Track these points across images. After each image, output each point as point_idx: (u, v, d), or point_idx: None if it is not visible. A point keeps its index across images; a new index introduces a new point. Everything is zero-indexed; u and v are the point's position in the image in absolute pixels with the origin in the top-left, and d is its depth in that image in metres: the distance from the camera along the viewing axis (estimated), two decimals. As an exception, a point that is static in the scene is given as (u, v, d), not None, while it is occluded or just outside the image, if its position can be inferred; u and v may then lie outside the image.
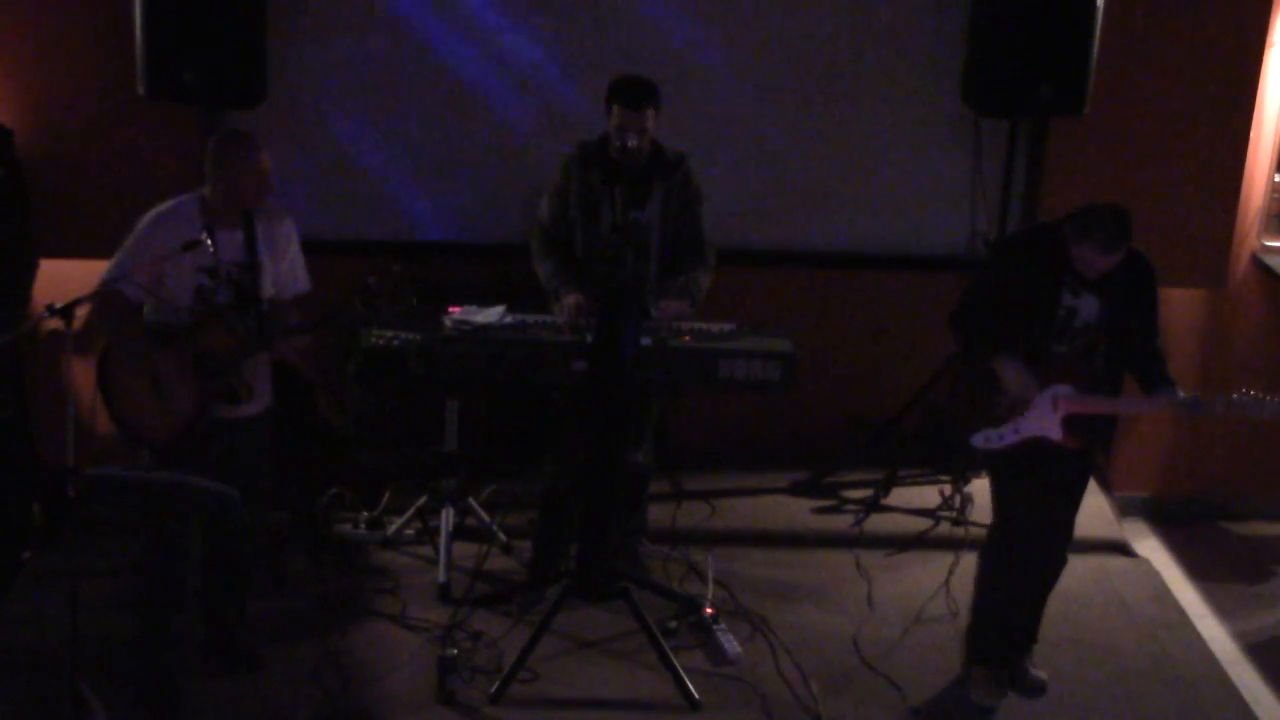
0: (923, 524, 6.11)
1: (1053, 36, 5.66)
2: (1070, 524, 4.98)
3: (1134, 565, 6.04)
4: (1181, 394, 4.72)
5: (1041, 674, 5.10)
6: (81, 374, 5.09)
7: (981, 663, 5.04)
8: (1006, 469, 4.90)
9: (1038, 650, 5.18)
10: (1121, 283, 4.69)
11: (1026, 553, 4.94)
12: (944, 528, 6.06)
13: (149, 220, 4.65)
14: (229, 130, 4.75)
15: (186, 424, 4.63)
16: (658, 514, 5.96)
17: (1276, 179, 6.36)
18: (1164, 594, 5.83)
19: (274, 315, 4.74)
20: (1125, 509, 6.52)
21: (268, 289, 4.73)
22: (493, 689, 4.92)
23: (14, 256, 5.68)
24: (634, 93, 5.15)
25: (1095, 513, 6.28)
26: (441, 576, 5.50)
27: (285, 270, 4.81)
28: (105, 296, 4.57)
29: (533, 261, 5.36)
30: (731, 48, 6.09)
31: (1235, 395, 4.67)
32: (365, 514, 5.89)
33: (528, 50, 6.03)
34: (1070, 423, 4.73)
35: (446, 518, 5.64)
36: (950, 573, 5.67)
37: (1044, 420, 4.75)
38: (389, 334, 5.26)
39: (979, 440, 4.83)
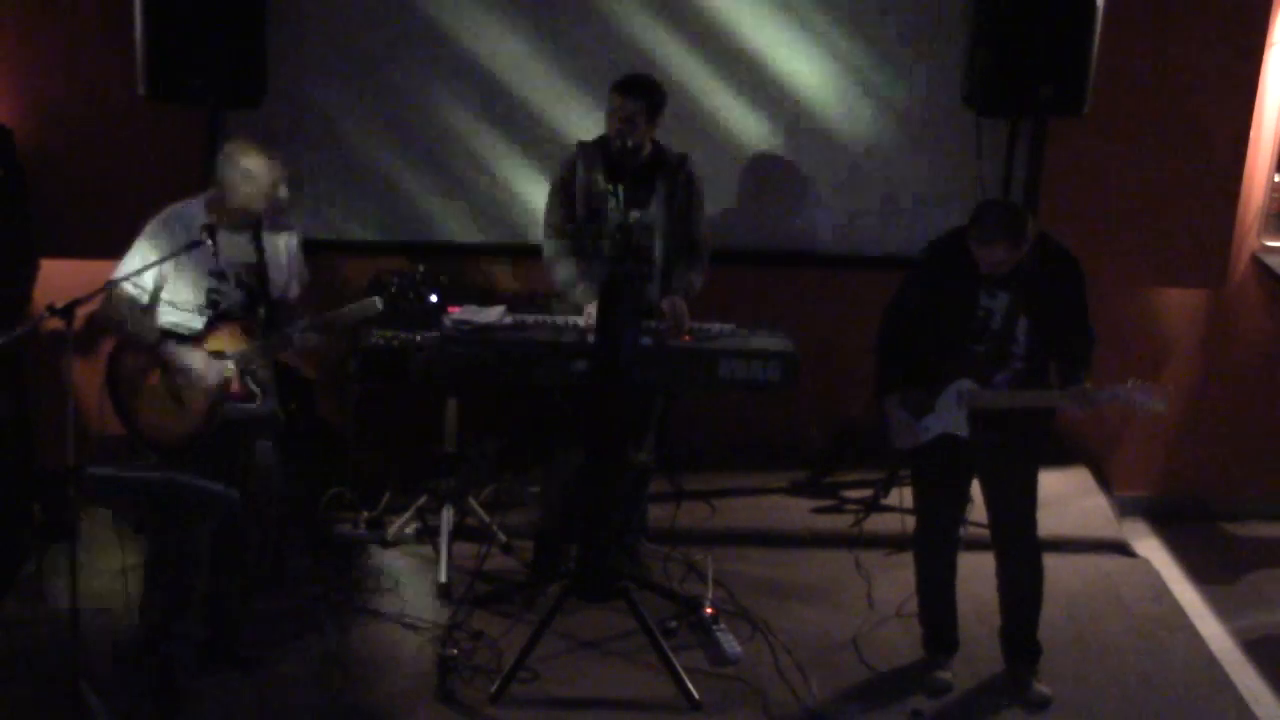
0: (923, 524, 6.11)
1: (1053, 36, 5.66)
2: (1020, 523, 4.98)
3: (1134, 565, 6.04)
4: (1084, 388, 4.68)
5: (1045, 689, 5.07)
6: (82, 374, 5.09)
7: (924, 646, 5.20)
8: (923, 472, 5.06)
9: (1037, 651, 5.20)
10: (1036, 280, 4.73)
11: (935, 554, 5.11)
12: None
13: (156, 222, 4.67)
14: (238, 138, 4.74)
15: (200, 426, 4.64)
16: (658, 514, 5.97)
17: (1276, 179, 6.37)
18: (1164, 594, 5.84)
19: (286, 316, 4.75)
20: (1125, 509, 6.52)
21: (276, 289, 4.74)
22: (493, 689, 4.92)
23: (14, 256, 5.68)
24: (628, 82, 5.22)
25: (1095, 513, 6.29)
26: (441, 576, 5.50)
27: (290, 271, 4.81)
28: (111, 297, 4.58)
29: (545, 266, 5.36)
30: (732, 47, 6.09)
31: (1116, 388, 4.67)
32: (365, 514, 5.90)
33: (530, 51, 6.03)
34: (975, 418, 4.79)
35: (446, 518, 5.64)
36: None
37: (950, 417, 4.82)
38: (389, 334, 5.27)
39: (896, 440, 4.95)
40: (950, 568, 5.13)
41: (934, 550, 5.12)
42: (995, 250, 4.66)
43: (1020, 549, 5.01)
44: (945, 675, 5.11)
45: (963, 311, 4.81)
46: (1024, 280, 4.74)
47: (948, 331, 4.85)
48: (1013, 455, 4.92)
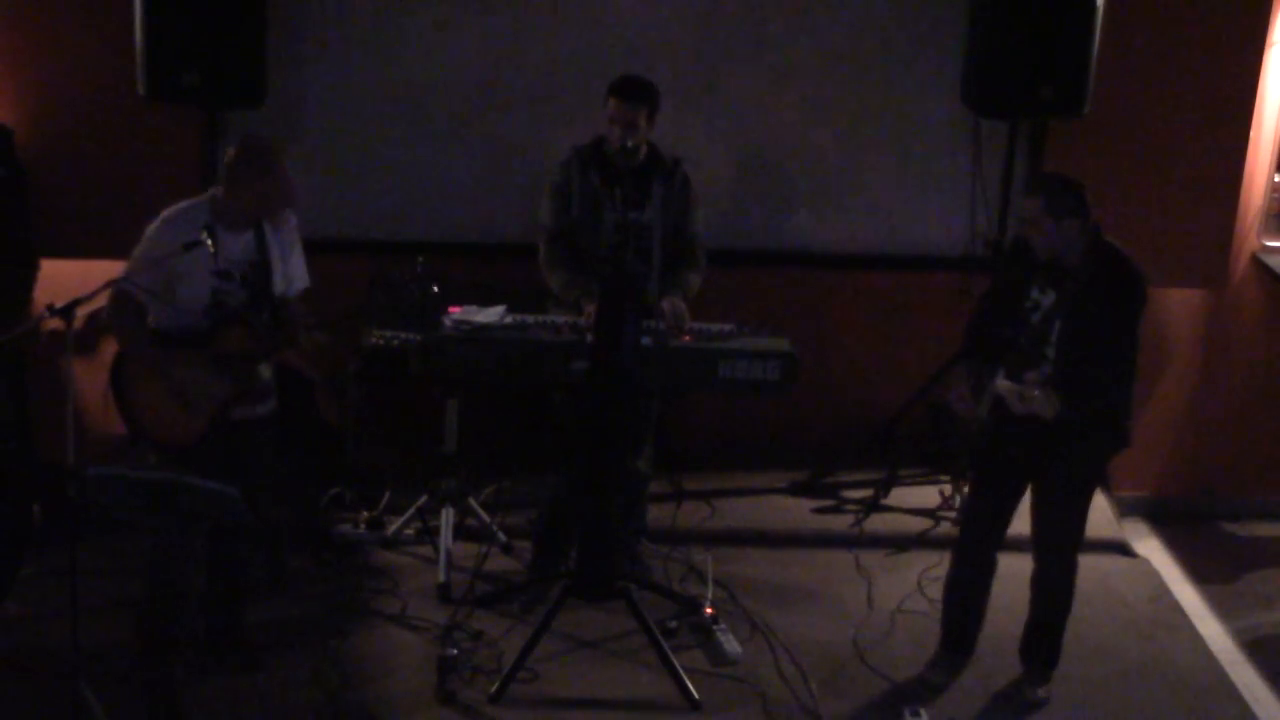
0: (923, 524, 6.11)
1: (1053, 37, 5.66)
2: (1057, 538, 4.95)
3: (1134, 565, 6.04)
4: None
5: (1042, 694, 5.06)
6: (82, 374, 5.09)
7: (941, 644, 5.17)
8: (978, 472, 5.08)
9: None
10: (1087, 288, 4.65)
11: (967, 555, 5.06)
12: (944, 528, 6.05)
13: (159, 223, 4.65)
14: (252, 139, 4.70)
15: (207, 427, 4.63)
16: (658, 514, 5.97)
17: (1276, 179, 6.37)
18: (1164, 594, 5.84)
19: (288, 314, 4.75)
20: (1125, 509, 6.52)
21: (278, 288, 4.74)
22: (493, 689, 4.92)
23: (14, 256, 5.68)
24: (628, 86, 5.20)
25: (1095, 513, 6.24)
26: (441, 576, 5.50)
27: (291, 268, 4.81)
28: (116, 298, 4.58)
29: (542, 269, 5.36)
30: (732, 48, 6.09)
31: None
32: (365, 514, 5.90)
33: (528, 51, 6.03)
34: (997, 407, 4.78)
35: (446, 518, 5.64)
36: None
37: (983, 402, 4.82)
38: (389, 334, 5.26)
39: (954, 404, 4.96)
40: (978, 572, 5.05)
41: (967, 550, 5.06)
42: (1032, 201, 4.64)
43: (1052, 561, 4.97)
44: (941, 676, 5.10)
45: (1013, 301, 4.79)
46: (1074, 283, 4.66)
47: (999, 318, 4.84)
48: (1068, 473, 4.85)
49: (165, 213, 4.68)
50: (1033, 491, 4.98)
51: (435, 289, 4.80)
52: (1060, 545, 4.96)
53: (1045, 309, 4.72)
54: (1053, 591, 5.02)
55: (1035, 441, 4.74)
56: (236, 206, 4.63)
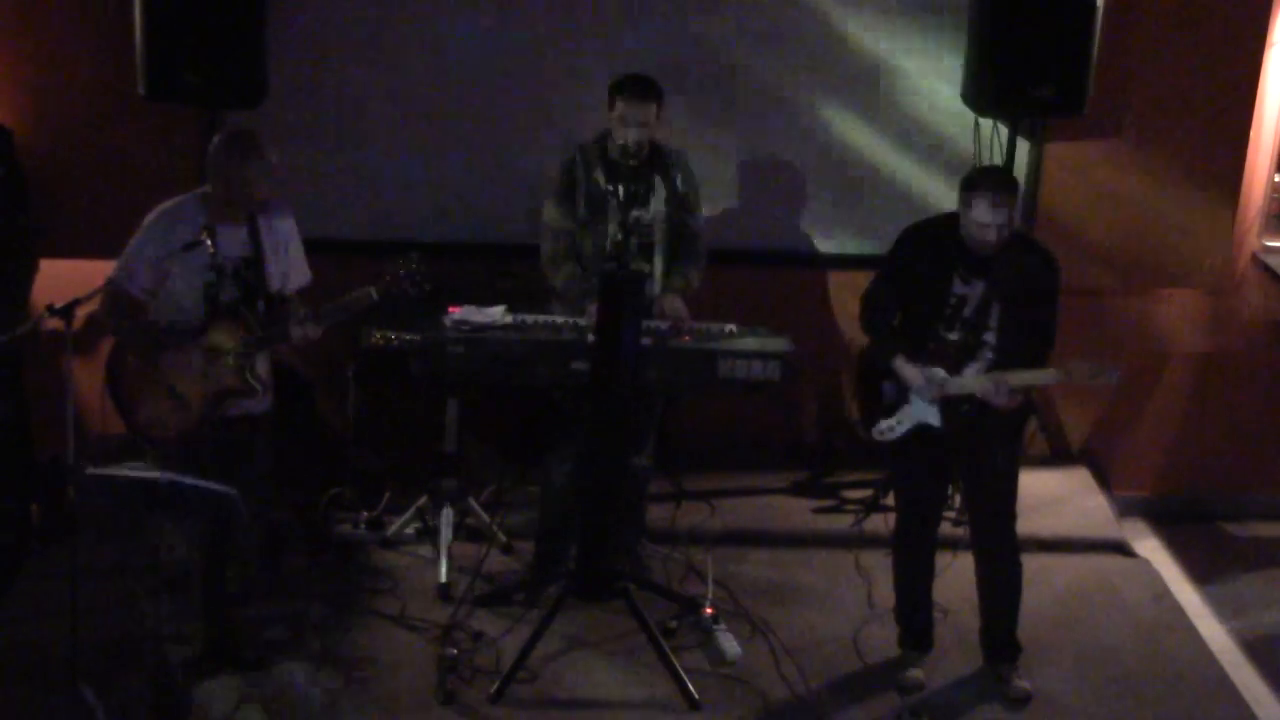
0: (923, 524, 6.11)
1: (1053, 36, 5.66)
2: (998, 520, 4.98)
3: (1134, 565, 6.04)
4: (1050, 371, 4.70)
5: (1026, 684, 5.07)
6: (82, 374, 5.09)
7: (900, 644, 5.20)
8: (903, 471, 5.08)
9: (1033, 653, 5.19)
10: (1012, 272, 4.72)
11: (913, 553, 5.11)
12: (943, 527, 6.03)
13: (152, 219, 4.66)
14: (232, 129, 4.73)
15: (200, 420, 4.64)
16: (658, 514, 5.97)
17: (1276, 179, 6.37)
18: (1164, 594, 5.84)
19: (284, 310, 4.75)
20: (1125, 509, 6.52)
21: (274, 283, 4.74)
22: (493, 689, 4.92)
23: (14, 256, 5.69)
24: (639, 85, 5.20)
25: (1095, 513, 6.29)
26: (441, 576, 5.51)
27: (289, 264, 4.81)
28: (110, 295, 4.59)
29: (545, 268, 5.36)
30: (731, 48, 6.09)
31: (1069, 364, 4.69)
32: (365, 514, 5.90)
33: (529, 50, 6.04)
34: (946, 406, 4.79)
35: (446, 518, 5.64)
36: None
37: (923, 407, 4.82)
38: (389, 334, 5.26)
39: (875, 432, 4.95)
40: (928, 567, 5.13)
41: (912, 549, 5.12)
42: (1005, 209, 4.64)
43: (998, 547, 5.01)
44: (917, 674, 5.12)
45: (936, 298, 4.81)
46: (1001, 269, 4.73)
47: (921, 318, 4.85)
48: (990, 452, 4.90)
49: (158, 208, 4.69)
50: (969, 480, 5.04)
51: (428, 287, 4.78)
52: (1004, 525, 4.98)
53: (978, 298, 4.75)
54: (1006, 583, 5.04)
55: (969, 422, 4.80)
56: (223, 196, 4.64)
